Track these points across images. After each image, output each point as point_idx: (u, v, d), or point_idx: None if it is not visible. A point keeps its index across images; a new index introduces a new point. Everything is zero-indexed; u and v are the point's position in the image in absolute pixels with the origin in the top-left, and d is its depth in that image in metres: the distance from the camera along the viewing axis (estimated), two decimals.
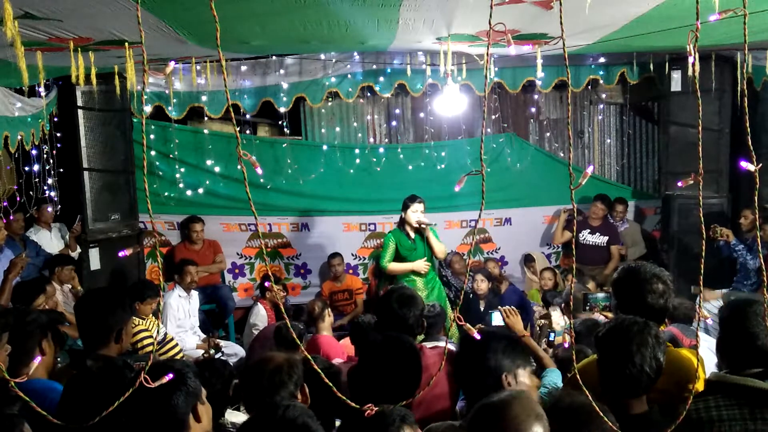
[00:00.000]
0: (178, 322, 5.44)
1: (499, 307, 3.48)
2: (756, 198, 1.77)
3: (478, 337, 1.94)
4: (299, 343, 1.68)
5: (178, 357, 4.85)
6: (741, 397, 2.02)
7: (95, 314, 2.59)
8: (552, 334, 4.52)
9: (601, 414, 1.70)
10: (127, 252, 5.19)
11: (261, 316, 5.80)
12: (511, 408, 1.49)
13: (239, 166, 1.42)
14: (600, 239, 6.65)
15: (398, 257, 5.14)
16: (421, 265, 5.08)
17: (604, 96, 7.43)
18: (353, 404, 1.64)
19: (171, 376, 1.72)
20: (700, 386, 2.09)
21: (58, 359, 2.78)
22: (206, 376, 2.00)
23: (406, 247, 5.13)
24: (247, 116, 6.54)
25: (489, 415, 1.46)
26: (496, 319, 3.52)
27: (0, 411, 1.50)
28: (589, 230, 6.67)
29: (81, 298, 3.04)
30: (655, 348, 2.01)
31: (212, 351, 4.92)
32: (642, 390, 2.01)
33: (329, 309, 4.79)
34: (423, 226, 5.06)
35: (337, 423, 2.69)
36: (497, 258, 7.30)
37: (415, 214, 5.06)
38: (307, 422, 1.60)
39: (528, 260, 7.13)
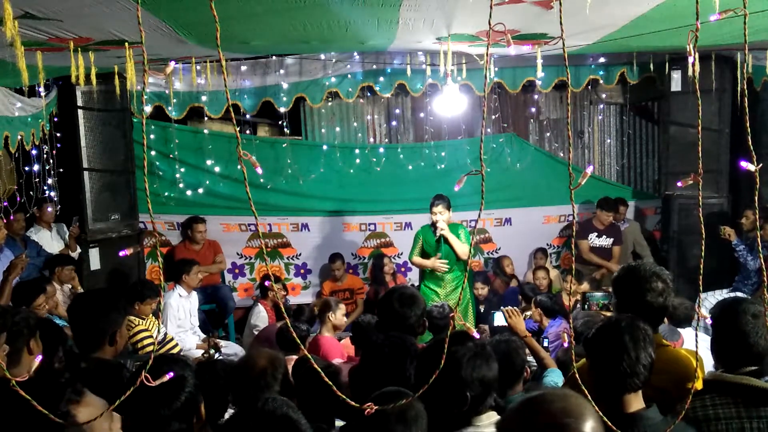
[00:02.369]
0: (179, 323, 5.44)
1: (502, 307, 3.48)
2: (756, 198, 1.77)
3: (477, 336, 1.94)
4: (300, 343, 1.67)
5: None
6: (737, 396, 2.03)
7: (88, 317, 2.56)
8: (546, 340, 4.52)
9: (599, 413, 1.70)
10: (127, 252, 5.17)
11: (262, 317, 5.81)
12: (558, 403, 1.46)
13: (239, 166, 1.42)
14: (606, 241, 6.65)
15: (425, 254, 5.30)
16: (436, 263, 5.17)
17: (604, 96, 7.43)
18: (353, 403, 1.64)
19: (171, 375, 1.72)
20: (699, 385, 2.09)
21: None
22: (206, 378, 2.00)
23: (429, 244, 5.25)
24: (247, 116, 6.54)
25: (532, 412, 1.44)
26: (498, 319, 3.52)
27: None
28: (596, 233, 6.65)
29: (74, 301, 3.01)
30: (646, 342, 2.02)
31: (212, 351, 4.92)
32: (639, 385, 2.02)
33: (342, 303, 4.83)
34: (438, 228, 5.08)
35: (338, 423, 2.70)
36: (497, 258, 7.30)
37: (434, 216, 5.13)
38: (287, 413, 1.60)
39: (540, 252, 7.10)
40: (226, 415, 2.73)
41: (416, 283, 6.87)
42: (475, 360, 2.02)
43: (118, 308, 2.66)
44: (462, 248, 5.13)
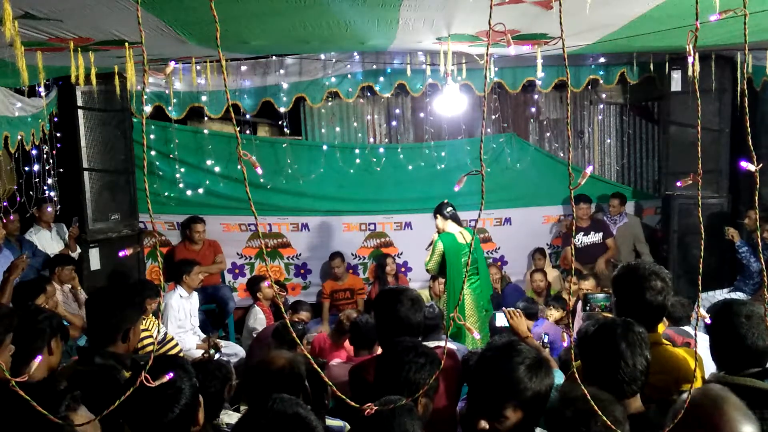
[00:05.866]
0: (179, 323, 5.43)
1: (503, 308, 3.47)
2: (756, 198, 1.77)
3: (477, 336, 1.94)
4: (299, 342, 1.68)
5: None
6: (741, 398, 2.02)
7: (105, 312, 2.58)
8: (546, 336, 4.52)
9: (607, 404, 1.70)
10: (127, 252, 5.18)
11: (259, 319, 5.79)
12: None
13: (239, 166, 1.41)
14: (595, 237, 6.66)
15: None
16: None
17: (604, 96, 7.43)
18: (353, 404, 1.64)
19: (171, 375, 1.72)
20: (698, 385, 2.09)
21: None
22: (200, 378, 2.00)
23: None
24: (247, 116, 6.54)
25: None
26: (500, 320, 3.50)
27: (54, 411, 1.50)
28: (582, 232, 6.67)
29: (92, 295, 3.02)
30: (643, 347, 2.02)
31: (212, 351, 4.92)
32: (637, 390, 2.01)
33: None
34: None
35: (329, 421, 2.72)
36: (497, 258, 7.30)
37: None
38: (297, 412, 1.60)
39: (539, 252, 7.10)
40: (222, 415, 2.73)
41: (417, 284, 6.89)
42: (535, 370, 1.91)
43: (134, 305, 2.67)
44: (424, 259, 5.54)
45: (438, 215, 5.43)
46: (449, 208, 5.41)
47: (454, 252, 5.28)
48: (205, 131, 6.67)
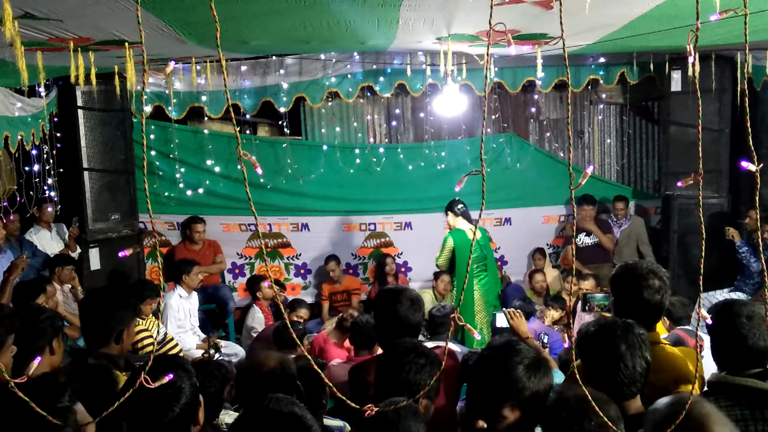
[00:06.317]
0: (179, 323, 5.44)
1: (503, 308, 3.47)
2: (756, 198, 1.77)
3: (478, 336, 1.94)
4: (299, 342, 1.68)
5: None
6: (742, 398, 2.02)
7: (97, 313, 2.59)
8: (546, 337, 4.53)
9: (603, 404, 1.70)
10: (127, 252, 5.18)
11: (257, 318, 5.80)
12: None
13: (239, 166, 1.41)
14: (596, 237, 6.65)
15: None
16: None
17: (604, 96, 7.42)
18: (353, 404, 1.64)
19: (171, 376, 1.72)
20: (697, 386, 2.09)
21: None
22: (200, 378, 2.01)
23: None
24: (247, 116, 6.54)
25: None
26: (500, 320, 3.49)
27: (52, 404, 1.51)
28: (584, 233, 6.66)
29: (85, 297, 3.04)
30: (642, 347, 2.01)
31: (212, 351, 4.92)
32: (637, 392, 2.01)
33: None
34: None
35: (326, 421, 2.72)
36: (497, 258, 7.30)
37: None
38: (293, 410, 1.61)
39: (539, 252, 7.10)
40: (222, 415, 2.74)
41: (417, 284, 6.89)
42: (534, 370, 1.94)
43: (127, 307, 2.67)
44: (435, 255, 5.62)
45: (449, 212, 5.52)
46: (460, 205, 5.48)
47: (465, 248, 5.32)
48: (205, 131, 6.66)
